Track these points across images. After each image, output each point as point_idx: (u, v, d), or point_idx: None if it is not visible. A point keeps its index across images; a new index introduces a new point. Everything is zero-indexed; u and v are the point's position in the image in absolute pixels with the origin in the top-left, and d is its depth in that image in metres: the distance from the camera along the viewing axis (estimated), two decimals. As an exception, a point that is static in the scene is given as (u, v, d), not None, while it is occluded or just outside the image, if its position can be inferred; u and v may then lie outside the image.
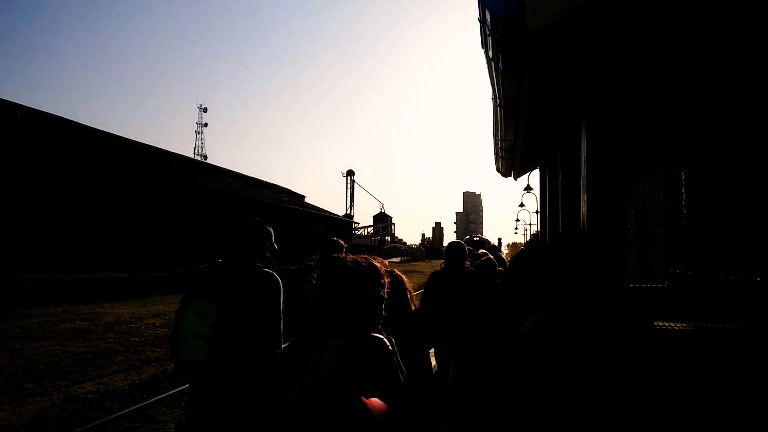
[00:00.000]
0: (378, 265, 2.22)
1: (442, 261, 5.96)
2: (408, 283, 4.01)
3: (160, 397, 9.20)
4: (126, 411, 8.42)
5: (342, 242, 4.42)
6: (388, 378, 2.05)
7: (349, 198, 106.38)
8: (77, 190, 29.45)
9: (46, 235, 29.22)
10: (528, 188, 31.83)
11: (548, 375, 3.00)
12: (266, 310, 3.12)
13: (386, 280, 2.21)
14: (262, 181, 62.38)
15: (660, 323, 3.49)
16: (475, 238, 52.45)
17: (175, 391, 9.53)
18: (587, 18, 3.32)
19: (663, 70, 3.71)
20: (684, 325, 3.52)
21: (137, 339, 14.08)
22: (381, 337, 2.13)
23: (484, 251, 7.83)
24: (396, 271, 4.15)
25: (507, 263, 3.44)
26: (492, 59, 3.78)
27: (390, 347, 2.11)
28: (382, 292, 2.17)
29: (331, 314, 2.09)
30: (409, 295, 4.07)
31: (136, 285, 23.76)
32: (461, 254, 5.68)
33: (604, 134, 3.53)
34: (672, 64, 3.70)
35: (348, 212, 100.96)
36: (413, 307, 4.09)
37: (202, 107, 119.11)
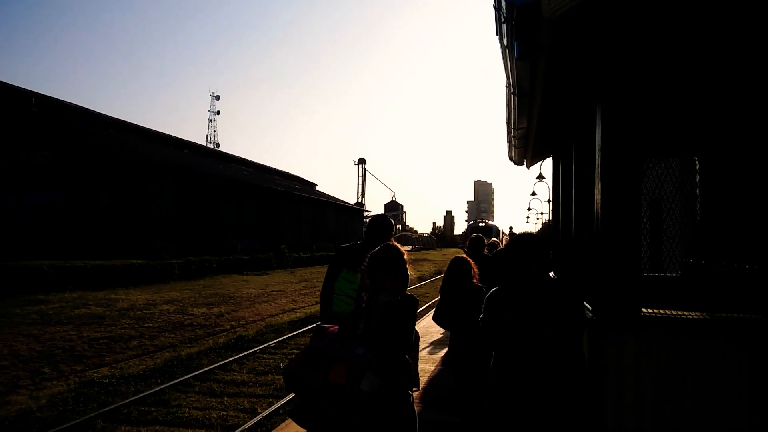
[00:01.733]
0: (401, 248, 3.24)
1: (466, 249, 7.50)
2: (474, 266, 5.17)
3: (174, 381, 9.33)
4: (141, 395, 8.56)
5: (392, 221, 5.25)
6: (383, 321, 2.92)
7: (360, 186, 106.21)
8: (89, 175, 29.65)
9: (59, 220, 29.51)
10: (540, 177, 31.73)
11: (548, 364, 3.30)
12: None
13: (406, 257, 3.20)
14: (274, 169, 62.49)
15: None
16: (480, 224, 50.49)
17: (188, 376, 9.65)
18: (603, 5, 3.29)
19: (679, 57, 3.67)
20: (697, 314, 3.52)
21: (151, 325, 14.25)
22: (397, 295, 3.03)
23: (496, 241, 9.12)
24: (465, 255, 5.41)
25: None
26: (507, 47, 3.75)
27: (398, 301, 2.99)
28: (404, 266, 3.16)
29: (374, 282, 3.11)
30: (473, 272, 5.12)
31: (150, 272, 23.97)
32: (481, 245, 7.22)
33: (620, 122, 3.51)
34: (688, 51, 3.66)
35: (359, 200, 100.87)
36: (476, 281, 5.12)
37: (215, 95, 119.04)
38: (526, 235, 3.94)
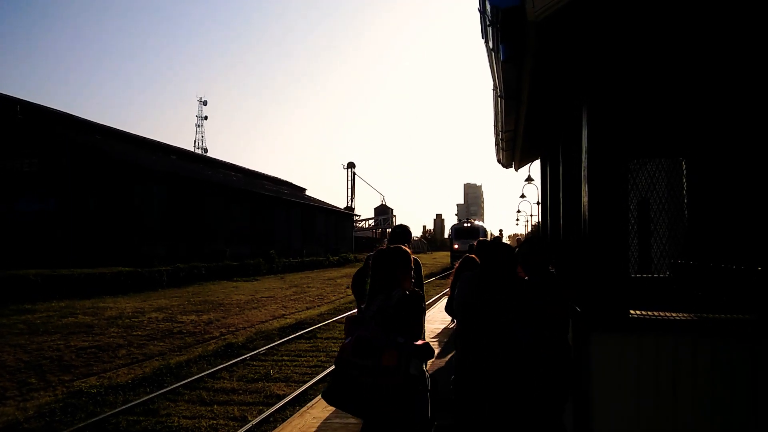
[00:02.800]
0: (409, 251, 3.78)
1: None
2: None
3: (163, 390, 9.23)
4: (130, 405, 8.46)
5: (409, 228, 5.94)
6: (402, 310, 3.40)
7: (349, 190, 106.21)
8: (76, 183, 29.44)
9: (48, 228, 29.27)
10: (529, 179, 31.81)
11: (548, 364, 3.46)
12: (415, 275, 4.41)
13: (412, 259, 3.77)
14: (263, 174, 62.35)
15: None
16: (465, 225, 47.11)
17: (178, 384, 9.57)
18: (587, 7, 3.30)
19: (663, 59, 3.69)
20: (685, 315, 3.52)
21: (140, 333, 14.13)
22: (405, 289, 3.54)
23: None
24: (473, 256, 5.97)
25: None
26: (492, 50, 3.75)
27: (410, 295, 3.51)
28: (411, 266, 3.70)
29: (387, 278, 3.57)
30: None
31: (138, 279, 23.79)
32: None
33: (605, 124, 3.52)
34: (672, 53, 3.67)
35: (349, 205, 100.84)
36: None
37: (202, 100, 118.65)
38: (526, 240, 4.26)
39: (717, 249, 3.81)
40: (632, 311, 3.48)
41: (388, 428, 3.45)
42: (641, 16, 3.44)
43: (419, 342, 3.47)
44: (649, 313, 3.48)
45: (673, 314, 3.48)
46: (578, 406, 3.79)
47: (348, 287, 29.32)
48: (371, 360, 3.31)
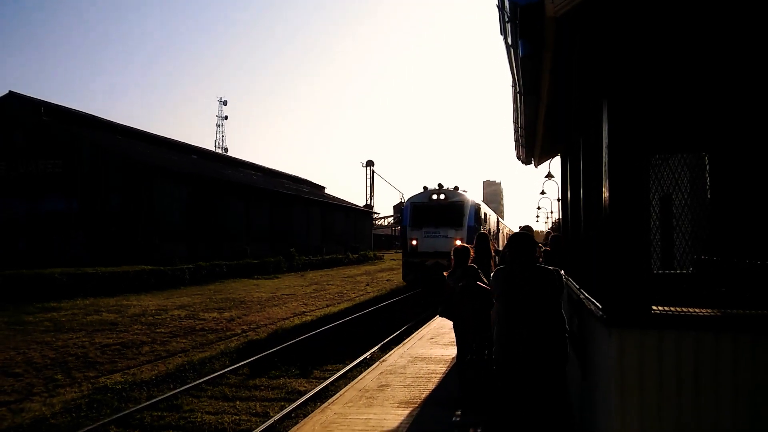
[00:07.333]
0: (469, 246, 7.15)
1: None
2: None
3: (186, 386, 9.36)
4: (154, 401, 8.59)
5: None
6: (471, 273, 6.46)
7: (368, 188, 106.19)
8: (99, 183, 29.85)
9: (71, 227, 29.73)
10: (549, 176, 31.57)
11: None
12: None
13: (471, 252, 7.02)
14: (283, 172, 62.61)
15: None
16: (434, 197, 26.07)
17: (201, 381, 9.68)
18: (607, 1, 3.27)
19: (686, 52, 3.65)
20: (709, 311, 3.48)
21: (163, 330, 14.31)
22: (472, 266, 6.73)
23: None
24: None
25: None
26: (511, 46, 3.74)
27: (471, 267, 6.64)
28: (471, 255, 6.94)
29: (462, 260, 6.73)
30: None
31: (161, 277, 24.06)
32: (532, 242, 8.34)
33: (626, 119, 3.48)
34: (695, 46, 3.63)
35: (368, 202, 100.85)
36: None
37: (222, 100, 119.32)
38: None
39: (741, 245, 3.77)
40: (655, 307, 3.45)
41: (473, 328, 6.16)
42: (663, 9, 3.41)
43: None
44: (672, 309, 3.44)
45: (696, 310, 3.44)
46: (598, 403, 3.78)
47: (368, 285, 29.47)
48: (466, 280, 6.26)
